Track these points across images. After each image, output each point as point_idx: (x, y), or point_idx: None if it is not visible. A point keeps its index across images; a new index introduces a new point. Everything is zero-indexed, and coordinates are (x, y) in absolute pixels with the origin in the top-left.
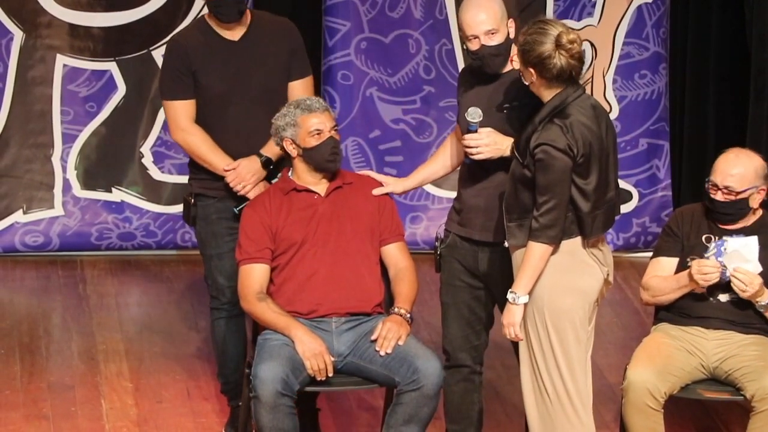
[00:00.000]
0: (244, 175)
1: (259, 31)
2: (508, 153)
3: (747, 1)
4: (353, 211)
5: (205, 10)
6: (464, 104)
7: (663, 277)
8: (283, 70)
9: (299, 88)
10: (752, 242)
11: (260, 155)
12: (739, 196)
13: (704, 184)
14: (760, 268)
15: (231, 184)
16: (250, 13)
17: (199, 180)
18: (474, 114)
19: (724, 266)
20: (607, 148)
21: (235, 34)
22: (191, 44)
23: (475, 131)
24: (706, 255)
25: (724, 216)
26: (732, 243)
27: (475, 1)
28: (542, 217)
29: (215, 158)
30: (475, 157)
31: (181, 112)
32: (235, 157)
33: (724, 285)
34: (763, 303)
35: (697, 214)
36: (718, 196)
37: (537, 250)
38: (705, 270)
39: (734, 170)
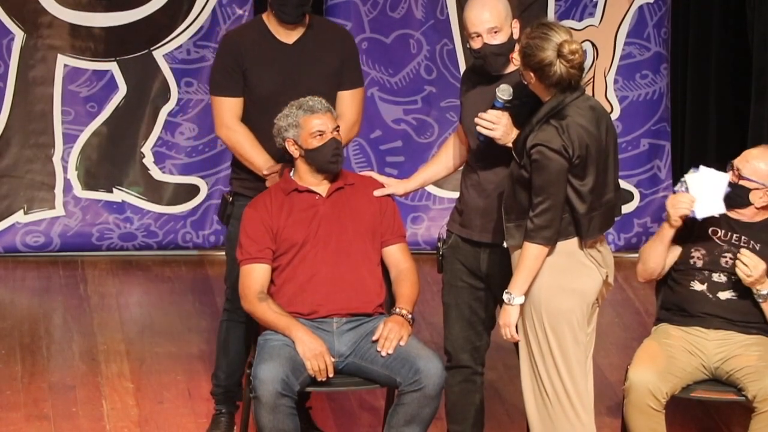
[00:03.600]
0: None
1: (314, 36)
2: (511, 144)
3: (748, 2)
4: (354, 212)
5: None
6: (466, 105)
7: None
8: (334, 78)
9: (348, 98)
10: (723, 177)
11: None
12: (741, 182)
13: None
14: (722, 208)
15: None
16: (309, 17)
17: (239, 180)
18: (505, 91)
19: (685, 185)
20: (606, 150)
21: (290, 37)
22: (245, 42)
23: (501, 108)
24: (680, 181)
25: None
26: (705, 168)
27: None
28: (537, 217)
29: (258, 158)
30: (489, 134)
31: (227, 108)
32: (275, 159)
33: (725, 283)
34: (763, 292)
35: None
36: (730, 176)
37: (532, 250)
38: (679, 198)
39: (752, 159)
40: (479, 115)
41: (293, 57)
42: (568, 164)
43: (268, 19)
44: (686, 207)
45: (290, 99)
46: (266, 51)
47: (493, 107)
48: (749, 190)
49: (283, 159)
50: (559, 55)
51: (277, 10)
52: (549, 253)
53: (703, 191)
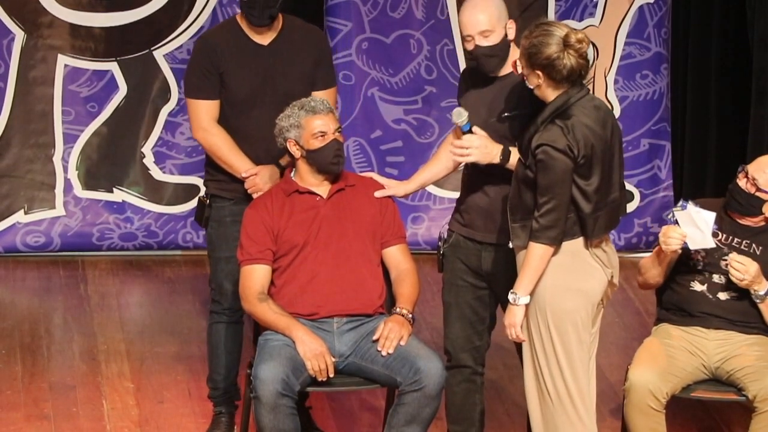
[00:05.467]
0: (260, 184)
1: (288, 36)
2: (497, 160)
3: (748, 2)
4: (355, 214)
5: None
6: (464, 105)
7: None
8: (308, 78)
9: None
10: (708, 216)
11: (279, 165)
12: (757, 193)
13: (738, 169)
14: (711, 243)
15: (249, 191)
16: (282, 18)
17: (215, 181)
18: (459, 114)
19: (675, 218)
20: (612, 150)
21: (265, 38)
22: (220, 44)
23: (469, 130)
24: (670, 211)
25: (734, 202)
26: (692, 206)
27: (472, 1)
28: (542, 217)
29: (236, 161)
30: (461, 160)
31: (204, 111)
32: (253, 161)
33: (724, 284)
34: (761, 293)
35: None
36: (742, 183)
37: (537, 250)
38: (670, 233)
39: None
40: (452, 143)
41: (269, 58)
42: (573, 164)
43: (242, 21)
44: (677, 244)
45: (267, 100)
46: (243, 53)
47: (463, 133)
48: (764, 201)
49: (278, 159)
50: (567, 45)
51: (246, 13)
52: (554, 253)
53: (691, 229)
